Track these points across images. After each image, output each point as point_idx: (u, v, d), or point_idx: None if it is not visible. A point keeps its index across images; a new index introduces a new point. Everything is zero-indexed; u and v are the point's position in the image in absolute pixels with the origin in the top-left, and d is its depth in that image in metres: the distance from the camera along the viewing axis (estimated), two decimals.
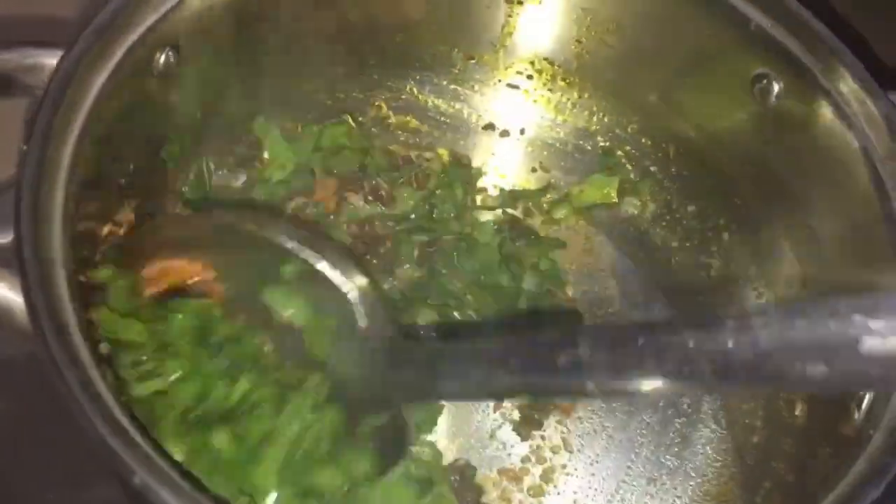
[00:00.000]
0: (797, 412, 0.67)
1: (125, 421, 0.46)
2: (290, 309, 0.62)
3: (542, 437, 0.70)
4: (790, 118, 0.67)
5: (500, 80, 0.83)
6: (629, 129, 0.81)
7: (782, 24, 0.65)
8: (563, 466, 0.69)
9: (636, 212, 0.81)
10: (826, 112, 0.64)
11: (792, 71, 0.65)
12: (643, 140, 0.81)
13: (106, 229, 0.65)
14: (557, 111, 0.83)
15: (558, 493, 0.68)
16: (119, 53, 0.60)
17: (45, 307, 0.48)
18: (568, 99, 0.82)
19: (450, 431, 0.69)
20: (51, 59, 0.58)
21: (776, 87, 0.67)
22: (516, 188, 0.82)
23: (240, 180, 0.78)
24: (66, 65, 0.57)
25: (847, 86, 0.62)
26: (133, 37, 0.60)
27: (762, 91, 0.68)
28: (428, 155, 0.82)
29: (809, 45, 0.64)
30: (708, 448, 0.71)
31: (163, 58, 0.63)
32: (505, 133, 0.84)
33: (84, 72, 0.58)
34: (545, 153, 0.84)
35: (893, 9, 0.80)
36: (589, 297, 0.77)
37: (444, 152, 0.82)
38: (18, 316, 0.51)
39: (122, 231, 0.67)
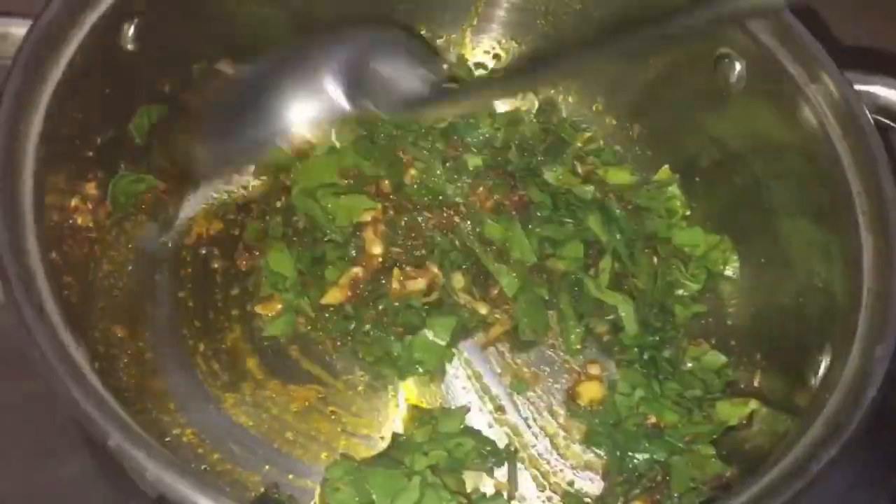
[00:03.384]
0: (756, 383, 0.69)
1: (98, 385, 0.46)
2: None
3: None
4: (751, 97, 0.69)
5: (467, 60, 0.84)
6: (594, 108, 0.82)
7: None
8: None
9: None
10: (785, 90, 0.66)
11: (752, 51, 0.67)
12: (607, 120, 0.82)
13: (74, 202, 0.65)
14: (523, 91, 0.84)
15: None
16: (88, 23, 0.60)
17: (16, 275, 0.48)
18: None
19: None
20: (20, 29, 0.58)
21: (738, 67, 0.69)
22: None
23: None
24: (35, 34, 0.57)
25: (805, 65, 0.64)
26: (102, 7, 0.60)
27: (724, 71, 0.70)
28: None
29: (770, 25, 0.66)
30: None
31: (131, 29, 0.63)
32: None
33: (53, 42, 0.58)
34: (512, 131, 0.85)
35: None
36: None
37: None
38: None
39: (89, 205, 0.67)
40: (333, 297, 0.70)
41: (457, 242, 0.74)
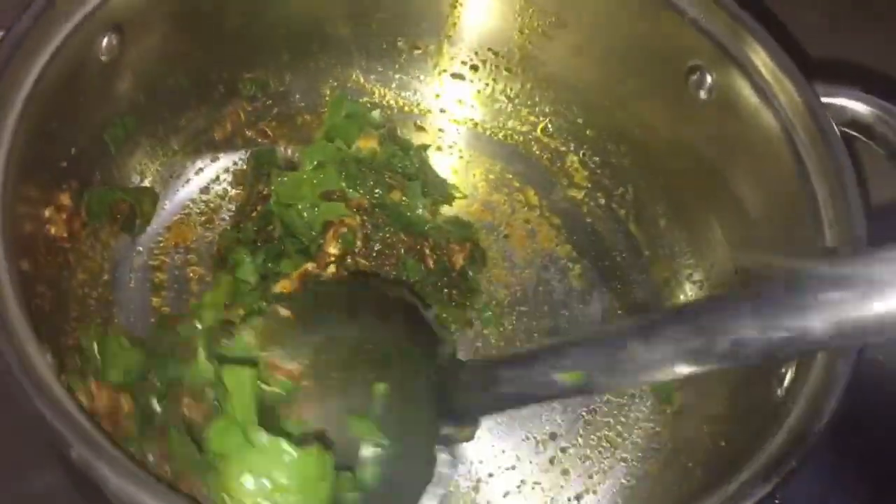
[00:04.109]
0: (725, 393, 0.69)
1: (63, 397, 0.46)
2: (371, 441, 0.61)
3: None
4: (722, 108, 0.69)
5: (444, 70, 0.84)
6: (571, 119, 0.83)
7: (714, 16, 0.68)
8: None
9: (578, 196, 0.83)
10: (754, 101, 0.66)
11: (722, 62, 0.68)
12: (587, 132, 0.83)
13: (48, 212, 0.65)
14: (501, 101, 0.85)
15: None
16: (61, 36, 0.60)
17: None
18: (511, 89, 0.84)
19: None
20: None
21: (709, 79, 0.70)
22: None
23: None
24: (6, 47, 0.57)
25: (774, 76, 0.65)
26: (75, 19, 0.61)
27: (696, 82, 0.71)
28: None
29: (739, 37, 0.67)
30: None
31: (105, 40, 0.64)
32: (451, 120, 0.85)
33: (25, 54, 0.58)
34: (489, 143, 0.85)
35: (819, 2, 0.83)
36: (530, 281, 0.79)
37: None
38: None
39: (63, 215, 0.68)
40: (283, 286, 0.70)
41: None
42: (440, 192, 0.79)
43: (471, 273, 0.76)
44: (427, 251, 0.73)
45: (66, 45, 0.60)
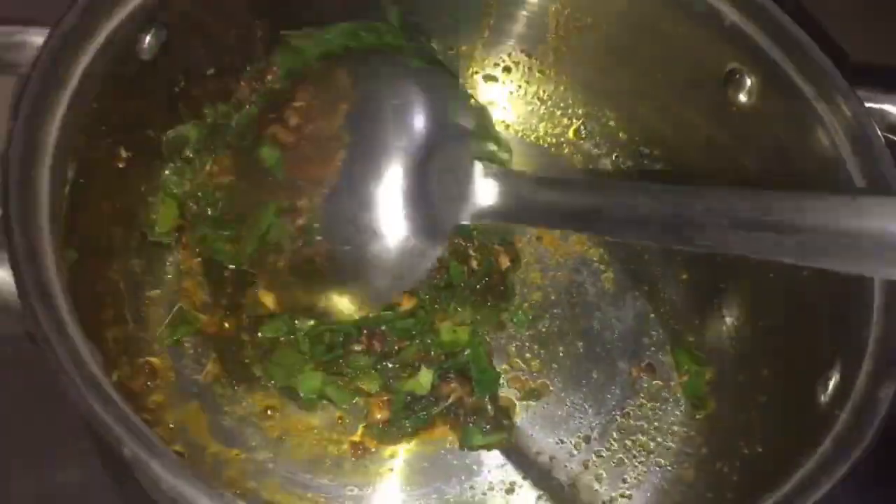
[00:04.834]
0: (762, 399, 0.69)
1: (113, 393, 0.46)
2: None
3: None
4: (761, 112, 0.69)
5: (477, 72, 0.84)
6: (605, 123, 0.83)
7: (754, 20, 0.67)
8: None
9: None
10: (795, 107, 0.66)
11: (763, 67, 0.67)
12: (620, 135, 0.83)
13: None
14: (534, 103, 0.84)
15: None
16: (105, 32, 0.60)
17: (33, 280, 0.49)
18: (544, 91, 0.84)
19: None
20: (37, 38, 0.58)
21: (748, 83, 0.69)
22: None
23: None
24: (51, 43, 0.57)
25: (815, 81, 0.65)
26: (120, 15, 0.61)
27: (735, 87, 0.70)
28: None
29: (780, 41, 0.66)
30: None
31: (149, 37, 0.64)
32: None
33: (70, 50, 0.58)
34: (520, 144, 0.85)
35: (860, 5, 0.82)
36: (562, 283, 0.79)
37: None
38: (4, 291, 0.51)
39: None
40: None
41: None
42: None
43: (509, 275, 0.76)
44: (472, 252, 0.73)
45: (111, 40, 0.60)
